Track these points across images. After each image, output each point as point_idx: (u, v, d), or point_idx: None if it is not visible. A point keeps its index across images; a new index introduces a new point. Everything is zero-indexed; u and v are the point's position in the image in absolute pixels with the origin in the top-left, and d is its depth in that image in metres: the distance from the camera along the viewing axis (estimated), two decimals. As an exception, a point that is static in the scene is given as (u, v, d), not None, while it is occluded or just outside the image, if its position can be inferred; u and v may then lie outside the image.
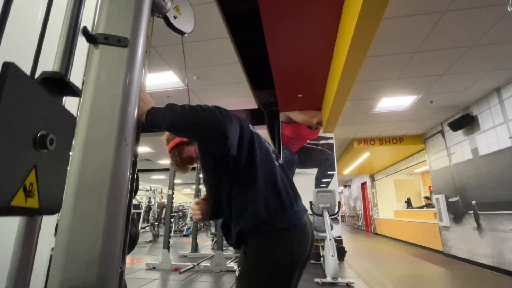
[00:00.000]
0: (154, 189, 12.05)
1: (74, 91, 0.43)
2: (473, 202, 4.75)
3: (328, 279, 3.29)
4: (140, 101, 0.74)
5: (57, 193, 0.39)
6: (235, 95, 4.75)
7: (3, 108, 0.29)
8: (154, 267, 4.23)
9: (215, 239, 6.75)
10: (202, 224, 12.07)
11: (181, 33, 0.90)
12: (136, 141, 0.64)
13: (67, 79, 0.40)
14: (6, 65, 0.30)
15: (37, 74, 0.42)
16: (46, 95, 0.36)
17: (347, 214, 16.51)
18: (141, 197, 13.79)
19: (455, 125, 5.01)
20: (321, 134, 5.45)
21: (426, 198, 7.96)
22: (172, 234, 9.81)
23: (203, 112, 0.80)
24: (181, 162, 1.12)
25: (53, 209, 0.38)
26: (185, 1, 0.90)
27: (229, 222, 0.99)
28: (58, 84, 0.41)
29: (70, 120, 0.41)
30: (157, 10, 0.75)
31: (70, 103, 0.82)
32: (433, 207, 6.40)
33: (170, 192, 4.95)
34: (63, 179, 0.41)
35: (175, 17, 0.85)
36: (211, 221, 13.50)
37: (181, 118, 0.79)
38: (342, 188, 18.14)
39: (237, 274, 0.96)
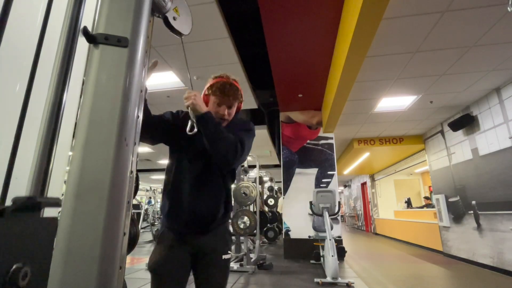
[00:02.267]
0: (154, 189, 12.05)
1: (54, 205, 0.39)
2: (473, 202, 4.75)
3: (328, 279, 3.29)
4: (200, 100, 1.05)
5: None
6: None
7: None
8: (154, 267, 4.22)
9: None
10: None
11: (179, 34, 0.91)
12: (136, 141, 0.64)
13: (43, 202, 0.36)
14: None
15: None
16: (20, 222, 0.33)
17: (347, 214, 16.51)
18: (141, 197, 13.79)
19: (455, 125, 5.01)
20: (321, 134, 5.45)
21: (426, 198, 7.96)
22: (172, 234, 9.77)
23: (235, 154, 1.06)
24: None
25: None
26: (183, 3, 0.91)
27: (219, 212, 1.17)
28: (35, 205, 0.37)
29: (48, 232, 0.38)
30: (157, 10, 0.75)
31: (70, 103, 0.82)
32: (433, 207, 6.40)
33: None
34: None
35: (174, 18, 0.86)
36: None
37: (222, 144, 1.04)
38: (342, 188, 18.14)
39: (227, 257, 1.16)
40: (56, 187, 0.89)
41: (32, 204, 0.35)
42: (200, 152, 1.13)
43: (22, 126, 0.40)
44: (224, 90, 1.14)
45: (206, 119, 1.04)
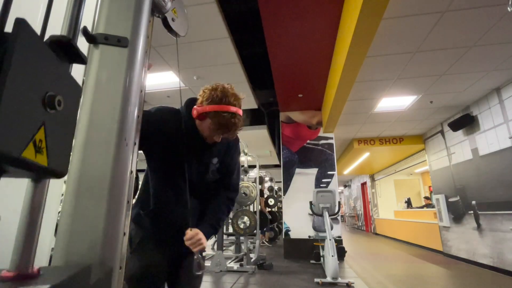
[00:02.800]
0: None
1: (81, 58, 0.43)
2: (473, 202, 4.75)
3: (328, 279, 3.29)
4: (205, 240, 1.04)
5: (64, 155, 0.39)
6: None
7: (15, 65, 0.29)
8: (154, 267, 4.22)
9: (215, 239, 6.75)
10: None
11: (176, 35, 0.91)
12: (136, 141, 0.64)
13: (74, 43, 0.40)
14: (19, 21, 0.30)
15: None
16: (55, 58, 0.37)
17: (347, 214, 16.51)
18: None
19: (455, 125, 5.01)
20: (321, 134, 5.45)
21: (426, 198, 7.96)
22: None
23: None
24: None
25: (60, 172, 0.38)
26: (181, 5, 0.92)
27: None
28: (65, 49, 0.42)
29: (76, 88, 0.42)
30: (157, 10, 0.75)
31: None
32: (433, 207, 6.40)
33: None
34: (70, 141, 0.41)
35: (173, 19, 0.86)
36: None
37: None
38: (342, 188, 18.14)
39: (201, 255, 1.09)
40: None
41: (66, 39, 0.41)
42: (190, 169, 1.09)
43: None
44: (228, 127, 1.01)
45: (212, 234, 1.11)
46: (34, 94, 0.32)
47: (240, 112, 1.05)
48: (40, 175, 0.38)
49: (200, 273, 1.03)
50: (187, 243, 0.99)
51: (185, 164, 1.05)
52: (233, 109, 1.02)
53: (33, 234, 0.38)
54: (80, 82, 0.79)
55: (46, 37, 0.42)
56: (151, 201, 1.07)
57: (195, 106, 1.04)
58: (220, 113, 0.99)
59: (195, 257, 1.01)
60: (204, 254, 1.09)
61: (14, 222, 0.39)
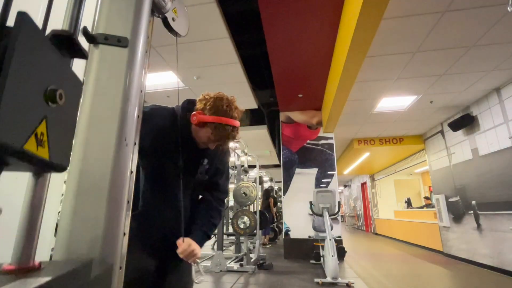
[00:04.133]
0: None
1: (82, 53, 0.43)
2: (473, 202, 4.75)
3: (328, 279, 3.29)
4: (199, 250, 1.03)
5: (65, 149, 0.40)
6: (235, 95, 4.75)
7: (16, 59, 0.29)
8: (154, 267, 4.22)
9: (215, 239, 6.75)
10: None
11: (177, 35, 0.91)
12: (136, 141, 0.64)
13: (75, 37, 0.41)
14: (21, 15, 0.31)
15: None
16: (56, 53, 0.37)
17: (347, 214, 16.51)
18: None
19: (455, 125, 5.01)
20: (321, 134, 5.45)
21: (426, 198, 7.96)
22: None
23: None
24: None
25: (61, 166, 0.38)
26: (181, 4, 0.92)
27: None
28: (67, 44, 0.42)
29: (77, 83, 0.42)
30: (157, 10, 0.75)
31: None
32: (433, 207, 6.40)
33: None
34: (71, 136, 0.41)
35: (173, 19, 0.86)
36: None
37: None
38: (342, 188, 18.14)
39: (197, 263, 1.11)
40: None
41: (67, 34, 0.41)
42: (181, 170, 1.06)
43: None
44: (228, 139, 1.03)
45: (204, 241, 1.10)
46: (36, 88, 0.33)
47: (239, 124, 1.07)
48: (41, 169, 0.38)
49: (198, 281, 1.03)
50: (181, 256, 0.98)
51: (177, 165, 1.04)
52: (236, 123, 1.03)
53: (34, 229, 0.38)
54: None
55: (48, 31, 0.42)
56: (140, 201, 1.03)
57: (194, 112, 1.02)
58: (223, 126, 0.99)
59: (194, 265, 1.01)
60: (200, 261, 1.06)
61: (15, 217, 0.40)
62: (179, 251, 0.98)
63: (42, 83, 0.34)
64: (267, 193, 7.61)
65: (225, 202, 1.17)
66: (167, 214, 1.05)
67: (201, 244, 1.05)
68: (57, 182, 0.94)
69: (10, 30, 0.30)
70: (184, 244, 0.99)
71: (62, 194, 0.57)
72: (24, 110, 0.31)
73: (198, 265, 1.02)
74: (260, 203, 6.47)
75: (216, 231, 6.54)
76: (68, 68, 0.41)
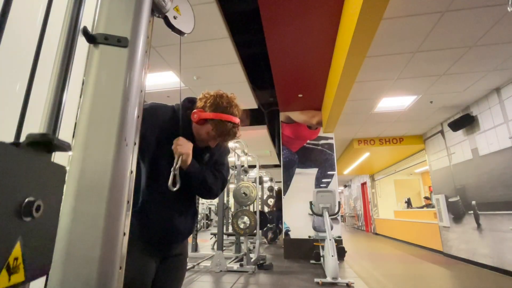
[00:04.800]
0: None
1: (64, 148, 0.40)
2: (473, 202, 4.75)
3: (328, 279, 3.29)
4: (188, 156, 0.99)
5: (44, 259, 0.36)
6: (235, 95, 4.76)
7: None
8: (154, 267, 4.22)
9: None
10: (202, 224, 12.08)
11: (180, 33, 0.89)
12: (136, 141, 0.64)
13: (55, 141, 0.37)
14: None
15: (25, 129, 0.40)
16: (33, 158, 0.34)
17: (347, 214, 16.51)
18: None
19: (455, 125, 5.01)
20: (321, 134, 5.45)
21: (426, 198, 7.96)
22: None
23: (220, 191, 1.16)
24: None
25: (41, 274, 0.35)
26: (185, 1, 0.90)
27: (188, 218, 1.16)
28: (46, 145, 0.39)
29: (59, 174, 0.39)
30: (157, 10, 0.75)
31: (70, 102, 0.82)
32: (433, 207, 6.40)
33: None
34: (51, 245, 0.38)
35: (175, 17, 0.85)
36: (212, 219, 13.52)
37: (208, 190, 1.11)
38: (342, 188, 18.14)
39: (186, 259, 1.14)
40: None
41: (46, 140, 0.37)
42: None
43: (22, 126, 0.40)
44: (228, 136, 1.04)
45: (193, 173, 1.03)
46: (9, 208, 0.30)
47: (239, 121, 1.07)
48: None
49: (176, 188, 0.95)
50: (175, 143, 0.98)
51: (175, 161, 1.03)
52: (236, 120, 1.04)
53: None
54: (80, 82, 0.79)
55: (47, 31, 0.41)
56: (140, 199, 1.02)
57: (195, 110, 1.03)
58: (224, 122, 1.01)
59: (172, 167, 0.95)
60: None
61: None
62: (177, 140, 0.98)
63: (16, 199, 0.31)
64: (280, 193, 7.62)
65: (223, 183, 1.18)
66: (166, 211, 1.05)
67: (192, 168, 1.02)
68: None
69: None
70: (185, 141, 1.00)
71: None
72: None
73: (177, 172, 0.97)
74: (260, 203, 6.47)
75: (216, 231, 6.55)
76: (48, 165, 0.37)
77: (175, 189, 0.95)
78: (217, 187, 1.15)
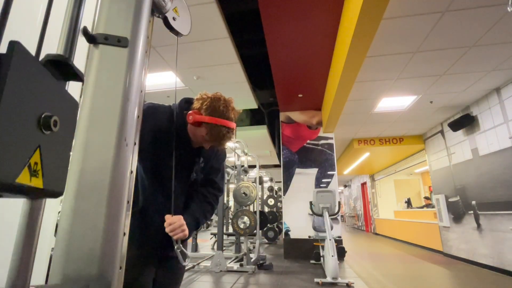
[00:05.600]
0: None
1: (77, 76, 0.43)
2: (473, 202, 4.75)
3: (328, 279, 3.29)
4: (185, 235, 0.97)
5: (60, 174, 0.39)
6: (235, 95, 4.76)
7: (9, 87, 0.29)
8: (154, 267, 4.22)
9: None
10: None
11: (178, 34, 0.90)
12: (136, 141, 0.64)
13: (70, 62, 0.40)
14: (13, 43, 0.30)
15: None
16: (51, 78, 0.37)
17: (347, 214, 16.51)
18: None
19: (455, 125, 5.01)
20: (321, 134, 5.45)
21: (426, 198, 7.96)
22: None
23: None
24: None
25: (57, 192, 0.38)
26: (183, 3, 0.91)
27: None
28: (62, 68, 0.42)
29: (73, 105, 0.41)
30: (157, 10, 0.75)
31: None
32: (433, 207, 6.40)
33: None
34: (66, 161, 0.41)
35: (174, 19, 0.86)
36: (211, 220, 13.53)
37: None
38: (342, 188, 18.14)
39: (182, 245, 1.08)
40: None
41: (63, 59, 0.40)
42: (177, 169, 1.04)
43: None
44: (223, 140, 1.03)
45: (192, 228, 1.05)
46: (30, 117, 0.32)
47: (235, 126, 1.06)
48: (35, 196, 0.37)
49: (185, 263, 0.98)
50: (167, 229, 0.94)
51: (172, 162, 1.02)
52: (232, 124, 1.02)
53: (29, 253, 0.37)
54: (80, 82, 0.79)
55: (48, 32, 0.42)
56: (140, 199, 1.02)
57: (191, 112, 1.02)
58: (218, 127, 0.99)
59: (176, 246, 0.94)
60: (187, 250, 1.01)
61: (11, 240, 0.39)
62: (166, 222, 0.95)
63: (36, 111, 0.33)
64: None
65: (219, 200, 1.17)
66: (164, 212, 1.04)
67: (190, 226, 1.01)
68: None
69: (2, 57, 0.29)
70: (175, 218, 0.96)
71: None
72: (17, 142, 0.30)
73: (181, 246, 0.97)
74: (260, 203, 6.46)
75: (216, 231, 6.54)
76: (63, 91, 0.40)
77: (185, 264, 1.00)
78: (213, 209, 1.18)
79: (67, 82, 0.45)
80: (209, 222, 12.52)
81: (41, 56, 0.41)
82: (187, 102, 1.09)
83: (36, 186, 0.33)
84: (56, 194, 0.38)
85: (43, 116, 0.34)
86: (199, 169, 1.14)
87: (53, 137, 0.36)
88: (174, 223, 0.95)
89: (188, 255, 1.00)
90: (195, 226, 1.06)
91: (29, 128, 0.32)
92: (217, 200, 1.20)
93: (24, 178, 0.31)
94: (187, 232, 0.98)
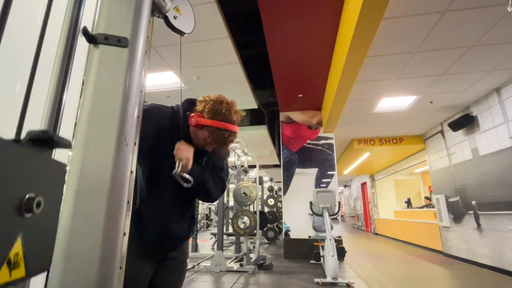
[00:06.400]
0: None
1: (65, 145, 0.40)
2: (473, 202, 4.75)
3: (328, 279, 3.29)
4: (189, 161, 0.98)
5: (45, 256, 0.36)
6: (235, 95, 4.76)
7: None
8: (154, 267, 4.22)
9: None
10: (202, 224, 12.07)
11: (180, 33, 0.89)
12: (136, 141, 0.64)
13: (55, 138, 0.37)
14: None
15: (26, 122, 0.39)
16: (32, 155, 0.34)
17: (347, 214, 16.51)
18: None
19: (455, 125, 5.01)
20: (321, 134, 5.45)
21: (426, 198, 7.96)
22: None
23: (220, 193, 1.15)
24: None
25: (41, 270, 0.35)
26: (185, 1, 0.90)
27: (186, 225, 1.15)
28: (47, 141, 0.38)
29: (59, 171, 0.38)
30: (157, 10, 0.75)
31: (70, 102, 0.82)
32: (433, 207, 6.40)
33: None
34: (52, 241, 0.38)
35: (175, 17, 0.85)
36: (211, 220, 13.51)
37: (209, 192, 1.09)
38: (342, 188, 18.14)
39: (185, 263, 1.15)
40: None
41: (46, 136, 0.36)
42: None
43: (22, 126, 0.40)
44: (225, 143, 1.03)
45: (194, 176, 1.02)
46: (9, 205, 0.29)
47: (238, 129, 1.05)
48: (16, 283, 0.34)
49: (190, 185, 0.97)
50: (175, 150, 0.97)
51: (173, 162, 1.01)
52: (234, 128, 1.02)
53: None
54: (80, 82, 0.79)
55: (47, 32, 0.41)
56: (137, 200, 1.01)
57: (193, 114, 1.01)
58: (221, 130, 0.99)
59: (174, 171, 0.95)
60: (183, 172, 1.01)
61: None
62: (177, 145, 0.98)
63: (17, 195, 0.30)
64: None
65: (224, 185, 1.16)
66: (163, 215, 1.04)
67: (194, 171, 1.01)
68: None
69: None
70: (186, 146, 0.99)
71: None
72: None
73: (182, 172, 0.97)
74: (260, 203, 6.47)
75: (216, 231, 6.54)
76: (48, 162, 0.37)
77: (189, 185, 0.97)
78: (217, 191, 1.13)
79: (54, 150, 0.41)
80: (209, 222, 12.51)
81: (25, 130, 0.37)
82: (190, 103, 1.09)
83: (17, 278, 0.31)
84: (41, 272, 0.35)
85: (25, 199, 0.31)
86: (201, 167, 1.13)
87: (36, 219, 0.33)
88: (184, 148, 0.98)
89: (190, 179, 0.98)
90: (199, 174, 1.04)
91: (9, 218, 0.29)
92: (222, 182, 1.16)
93: (3, 276, 0.28)
94: (189, 164, 0.99)
